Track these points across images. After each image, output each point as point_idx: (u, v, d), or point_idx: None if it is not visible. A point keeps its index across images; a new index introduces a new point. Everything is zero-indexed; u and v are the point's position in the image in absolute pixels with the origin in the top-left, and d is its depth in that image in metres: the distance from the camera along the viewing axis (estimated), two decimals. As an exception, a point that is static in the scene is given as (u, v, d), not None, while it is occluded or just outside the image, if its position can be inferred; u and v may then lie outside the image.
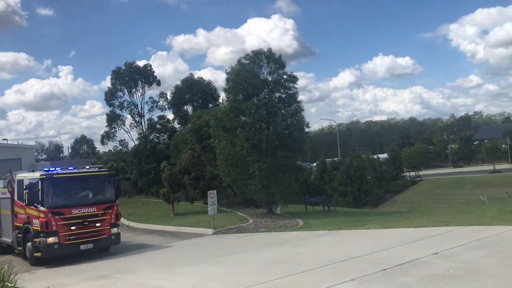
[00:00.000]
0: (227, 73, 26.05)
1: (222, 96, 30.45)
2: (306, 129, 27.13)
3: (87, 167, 16.87)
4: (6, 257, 14.56)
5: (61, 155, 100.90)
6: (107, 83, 66.23)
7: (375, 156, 68.87)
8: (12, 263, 10.20)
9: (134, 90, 51.43)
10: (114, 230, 15.68)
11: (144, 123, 51.59)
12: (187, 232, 20.86)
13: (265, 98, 25.40)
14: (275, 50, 26.70)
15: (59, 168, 15.96)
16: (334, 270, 8.47)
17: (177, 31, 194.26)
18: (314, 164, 62.05)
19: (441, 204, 41.57)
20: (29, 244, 14.94)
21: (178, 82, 52.39)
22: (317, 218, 22.94)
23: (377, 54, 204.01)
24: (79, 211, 14.86)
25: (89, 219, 15.03)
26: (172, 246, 16.85)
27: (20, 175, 16.24)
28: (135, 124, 51.76)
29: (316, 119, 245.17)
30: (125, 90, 51.25)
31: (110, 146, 55.19)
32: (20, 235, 15.61)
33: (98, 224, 15.25)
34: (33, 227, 14.63)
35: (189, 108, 51.14)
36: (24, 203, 14.97)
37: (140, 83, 51.40)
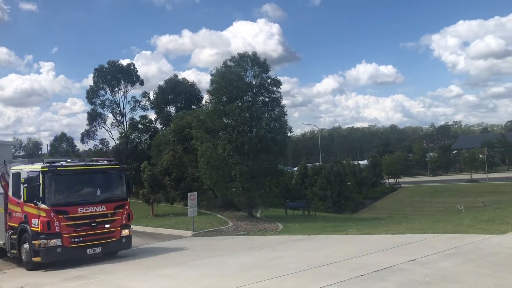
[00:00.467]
0: (212, 75, 26.04)
1: (206, 97, 30.40)
2: (289, 134, 27.27)
3: (95, 160, 15.16)
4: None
5: (40, 152, 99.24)
6: (89, 81, 65.63)
7: (355, 162, 69.53)
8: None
9: (116, 89, 50.98)
10: (125, 232, 14.00)
11: (126, 122, 51.16)
12: (166, 234, 20.72)
13: (249, 101, 25.44)
14: (260, 54, 26.82)
15: (63, 161, 14.09)
16: (313, 274, 8.52)
17: (162, 31, 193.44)
18: (295, 169, 62.27)
19: (419, 211, 42.16)
20: (26, 246, 13.13)
21: (162, 82, 52.31)
22: (297, 223, 23.02)
23: (361, 62, 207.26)
24: (86, 210, 13.12)
25: (97, 220, 13.32)
26: (151, 248, 16.70)
27: (16, 168, 14.31)
28: (117, 123, 51.29)
29: (298, 124, 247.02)
30: (108, 89, 50.77)
31: (91, 144, 54.61)
32: (14, 236, 13.72)
33: (107, 225, 13.53)
34: (32, 228, 12.86)
35: (172, 109, 50.93)
36: (21, 200, 13.24)
37: (123, 82, 50.96)
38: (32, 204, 12.81)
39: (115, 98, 51.22)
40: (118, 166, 14.68)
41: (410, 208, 47.34)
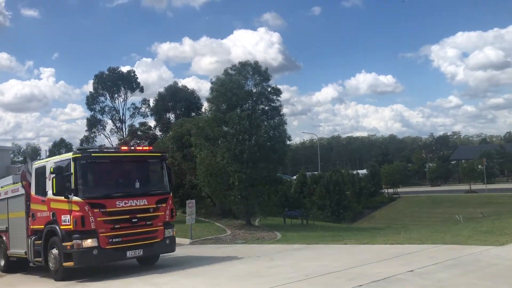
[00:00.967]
0: (212, 83, 26.13)
1: (205, 105, 30.48)
2: (288, 142, 27.30)
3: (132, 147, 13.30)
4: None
5: (38, 158, 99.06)
6: (89, 87, 65.83)
7: (354, 172, 69.51)
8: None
9: (116, 95, 51.20)
10: (169, 232, 12.10)
11: (125, 129, 51.26)
12: (164, 241, 20.57)
13: (248, 109, 25.48)
14: (260, 62, 26.99)
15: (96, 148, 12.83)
16: (310, 284, 8.45)
17: (162, 38, 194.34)
18: (294, 177, 62.23)
19: (418, 221, 42.06)
20: (54, 251, 11.24)
21: (162, 90, 52.37)
22: (295, 232, 22.93)
23: (360, 71, 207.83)
24: (125, 203, 11.24)
25: (138, 215, 11.42)
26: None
27: (40, 162, 12.91)
28: (116, 129, 51.45)
29: (297, 132, 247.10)
30: (107, 95, 50.95)
31: (89, 151, 54.38)
32: (39, 242, 11.92)
33: (149, 223, 11.62)
34: (62, 227, 11.06)
35: (171, 116, 51.00)
36: (49, 195, 11.48)
37: (122, 88, 51.16)
38: (63, 198, 11.00)
39: (114, 104, 51.50)
40: (160, 154, 12.85)
41: (409, 218, 47.25)
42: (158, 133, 50.43)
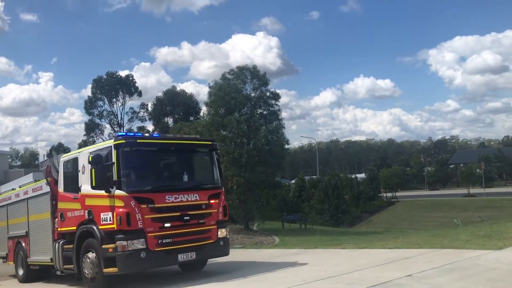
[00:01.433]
0: (209, 87, 26.15)
1: (204, 109, 30.46)
2: (286, 146, 27.30)
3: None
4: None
5: (36, 162, 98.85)
6: (87, 91, 65.89)
7: (353, 176, 69.52)
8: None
9: (114, 99, 51.17)
10: (222, 232, 10.62)
11: (123, 133, 51.21)
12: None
13: (246, 113, 25.48)
14: (258, 66, 27.01)
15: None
16: (308, 289, 8.42)
17: (161, 43, 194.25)
18: (293, 181, 62.22)
19: (416, 225, 42.03)
20: (91, 255, 9.74)
21: (160, 94, 52.39)
22: (293, 236, 22.89)
23: (358, 76, 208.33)
24: (175, 198, 9.78)
25: (189, 212, 9.96)
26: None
27: (69, 155, 11.45)
28: (114, 134, 51.32)
29: (296, 137, 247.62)
30: (106, 100, 50.96)
31: (87, 155, 54.34)
32: (69, 246, 10.56)
33: (202, 221, 10.18)
34: (102, 226, 9.55)
35: (169, 120, 51.04)
36: (87, 188, 9.93)
37: (121, 93, 51.21)
38: (103, 193, 9.46)
39: (113, 109, 51.54)
40: (210, 143, 11.31)
41: (407, 222, 47.22)
42: (156, 137, 50.40)
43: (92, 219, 9.81)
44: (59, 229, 11.06)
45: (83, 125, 59.95)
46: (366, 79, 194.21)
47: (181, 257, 9.79)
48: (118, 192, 9.33)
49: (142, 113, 52.21)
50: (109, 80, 50.67)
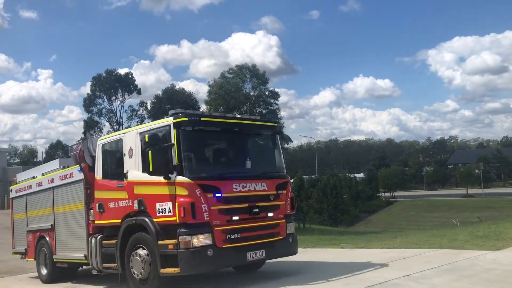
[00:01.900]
0: (209, 86, 26.20)
1: (203, 108, 30.41)
2: (285, 145, 27.29)
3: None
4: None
5: (35, 159, 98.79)
6: (87, 89, 65.84)
7: (352, 175, 69.56)
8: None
9: (113, 97, 51.08)
10: (290, 227, 9.36)
11: (122, 131, 51.17)
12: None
13: (246, 112, 25.48)
14: (258, 65, 27.16)
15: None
16: (306, 288, 8.40)
17: (161, 41, 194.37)
18: (291, 180, 62.16)
19: (414, 225, 42.10)
20: (142, 252, 8.34)
21: (159, 92, 52.35)
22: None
23: (358, 75, 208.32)
24: (243, 187, 8.50)
25: (258, 204, 8.64)
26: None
27: (109, 136, 10.14)
28: (113, 132, 51.25)
29: (295, 136, 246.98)
30: (105, 97, 50.87)
31: (86, 153, 54.30)
32: (110, 241, 9.22)
33: (270, 214, 8.89)
34: (157, 219, 8.13)
35: (169, 119, 50.92)
36: (136, 175, 8.60)
37: (120, 91, 51.11)
38: (159, 179, 8.03)
39: (112, 106, 51.39)
40: (276, 125, 9.95)
41: (406, 222, 47.29)
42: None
43: (144, 210, 8.39)
44: (96, 222, 9.66)
45: (82, 123, 59.91)
46: (365, 78, 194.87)
47: (250, 256, 8.42)
48: (180, 178, 7.90)
49: (141, 111, 52.18)
50: (108, 78, 50.57)
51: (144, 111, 52.00)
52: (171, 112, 8.72)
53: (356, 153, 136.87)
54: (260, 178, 8.88)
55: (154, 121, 9.04)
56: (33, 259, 12.15)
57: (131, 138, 9.02)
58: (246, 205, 8.45)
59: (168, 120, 8.36)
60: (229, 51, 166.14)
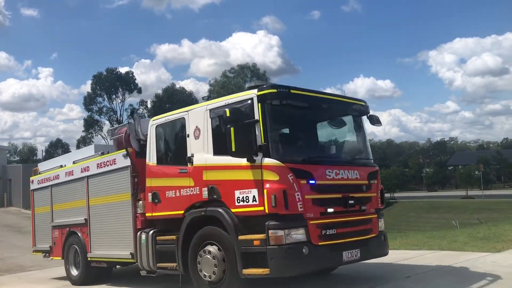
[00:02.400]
0: (210, 85, 26.22)
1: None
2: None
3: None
4: None
5: (35, 158, 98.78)
6: (87, 87, 65.78)
7: (352, 176, 69.54)
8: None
9: (114, 96, 51.15)
10: (381, 224, 8.00)
11: (123, 130, 51.17)
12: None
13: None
14: (259, 65, 27.30)
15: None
16: (306, 289, 8.37)
17: (161, 40, 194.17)
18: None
19: (414, 226, 42.05)
20: (213, 250, 7.13)
21: (160, 91, 52.39)
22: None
23: (359, 76, 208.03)
24: (336, 174, 7.23)
25: (352, 195, 7.39)
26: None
27: (165, 116, 8.58)
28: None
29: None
30: (105, 96, 50.90)
31: (86, 151, 54.37)
32: (166, 237, 7.97)
33: (364, 207, 7.61)
34: (236, 209, 6.86)
35: (169, 118, 51.00)
36: (207, 158, 7.33)
37: (120, 89, 51.19)
38: (241, 162, 6.76)
39: (112, 105, 51.54)
40: (364, 104, 8.57)
41: (405, 223, 47.23)
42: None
43: (217, 199, 7.13)
44: (148, 215, 8.38)
45: (82, 121, 60.00)
46: (366, 79, 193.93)
47: (346, 256, 7.11)
48: (268, 161, 6.59)
49: (141, 110, 52.32)
50: (109, 76, 50.62)
51: (144, 110, 52.05)
52: (248, 85, 7.50)
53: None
54: (352, 164, 7.71)
55: (229, 96, 7.50)
56: (60, 258, 10.85)
57: (197, 116, 7.69)
58: (339, 195, 7.20)
59: (251, 93, 6.98)
60: (229, 50, 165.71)
